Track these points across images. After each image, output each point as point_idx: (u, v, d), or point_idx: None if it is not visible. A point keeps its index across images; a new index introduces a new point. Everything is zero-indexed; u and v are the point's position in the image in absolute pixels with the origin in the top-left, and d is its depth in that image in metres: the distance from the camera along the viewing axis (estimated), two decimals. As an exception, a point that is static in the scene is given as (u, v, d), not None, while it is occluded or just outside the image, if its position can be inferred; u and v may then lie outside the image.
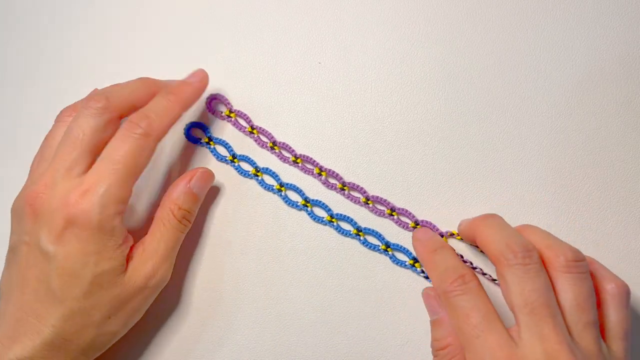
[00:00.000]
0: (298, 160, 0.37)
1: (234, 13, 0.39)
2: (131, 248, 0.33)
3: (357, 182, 0.36)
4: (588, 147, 0.35)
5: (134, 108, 0.33)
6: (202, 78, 0.36)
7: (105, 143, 0.32)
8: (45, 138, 0.34)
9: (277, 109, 0.38)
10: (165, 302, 0.37)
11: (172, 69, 0.39)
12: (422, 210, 0.36)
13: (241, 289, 0.37)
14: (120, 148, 0.31)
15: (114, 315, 0.32)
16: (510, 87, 0.36)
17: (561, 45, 0.36)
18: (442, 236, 0.35)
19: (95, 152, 0.32)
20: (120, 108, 0.33)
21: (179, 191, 0.34)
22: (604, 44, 0.35)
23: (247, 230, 0.37)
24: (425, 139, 0.36)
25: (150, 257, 0.33)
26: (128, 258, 0.32)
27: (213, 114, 0.38)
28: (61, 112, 0.34)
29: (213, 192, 0.38)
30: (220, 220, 0.37)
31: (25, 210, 0.31)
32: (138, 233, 0.34)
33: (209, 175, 0.36)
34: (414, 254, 0.35)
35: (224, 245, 0.37)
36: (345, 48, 0.38)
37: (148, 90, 0.34)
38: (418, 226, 0.36)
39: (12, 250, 0.32)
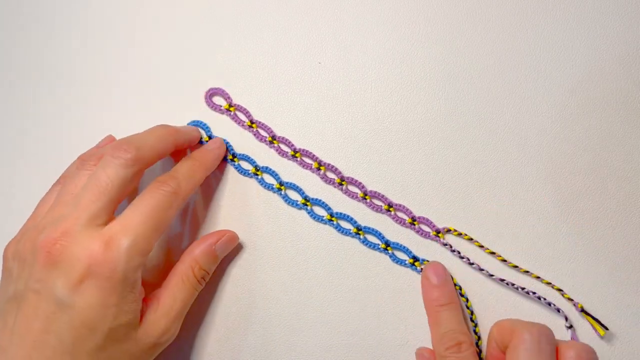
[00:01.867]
0: (297, 155, 0.37)
1: (234, 13, 0.39)
2: (144, 300, 0.32)
3: (358, 179, 0.36)
4: (588, 146, 0.35)
5: (159, 158, 0.34)
6: (220, 145, 0.37)
7: (128, 193, 0.32)
8: (66, 184, 0.33)
9: (278, 109, 0.38)
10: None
11: (172, 69, 0.39)
12: (420, 207, 0.36)
13: (240, 288, 0.37)
14: (149, 202, 0.31)
15: None
16: (510, 87, 0.36)
17: (561, 45, 0.36)
18: (438, 232, 0.35)
19: (117, 202, 0.31)
20: (149, 160, 0.32)
21: (202, 251, 0.34)
22: (604, 44, 0.35)
23: (247, 228, 0.37)
24: (425, 138, 0.36)
25: (166, 314, 0.32)
26: (142, 312, 0.31)
27: (212, 108, 0.38)
28: (84, 159, 0.34)
29: (213, 191, 0.38)
30: (220, 219, 0.37)
31: (38, 256, 0.29)
32: (149, 281, 0.34)
33: (234, 239, 0.36)
34: (413, 252, 0.35)
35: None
36: (345, 48, 0.38)
37: (172, 139, 0.34)
38: (415, 222, 0.36)
39: (15, 299, 0.30)
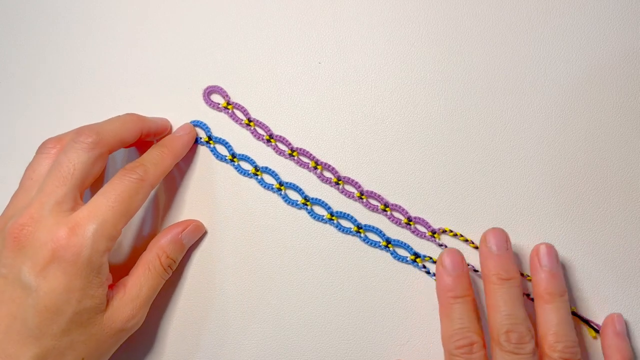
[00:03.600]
0: (294, 154, 0.37)
1: (233, 13, 0.39)
2: (110, 286, 0.32)
3: (354, 178, 0.36)
4: (588, 147, 0.35)
5: (123, 144, 0.34)
6: (190, 131, 0.37)
7: (93, 178, 0.33)
8: (27, 170, 0.33)
9: (277, 109, 0.38)
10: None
11: (172, 69, 0.39)
12: (420, 207, 0.36)
13: (240, 288, 0.37)
14: (117, 188, 0.31)
15: (87, 357, 0.31)
16: (510, 87, 0.36)
17: (561, 44, 0.36)
18: (434, 233, 0.35)
19: (82, 187, 0.32)
20: (110, 143, 0.33)
21: (169, 239, 0.35)
22: (604, 44, 0.35)
23: (246, 229, 0.37)
24: (425, 138, 0.36)
25: (132, 300, 0.33)
26: (108, 297, 0.32)
27: (210, 105, 0.38)
28: (44, 143, 0.34)
29: (213, 191, 0.38)
30: (219, 219, 0.37)
31: (6, 242, 0.30)
32: (117, 268, 0.35)
33: (201, 229, 0.37)
34: (414, 249, 0.35)
35: (222, 243, 0.37)
36: (345, 48, 0.38)
37: (136, 126, 0.35)
38: (411, 223, 0.36)
39: None
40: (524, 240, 0.35)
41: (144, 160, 0.34)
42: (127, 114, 0.36)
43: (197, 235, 0.36)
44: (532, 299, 0.33)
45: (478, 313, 0.32)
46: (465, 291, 0.32)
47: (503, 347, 0.29)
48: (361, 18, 0.38)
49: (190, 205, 0.38)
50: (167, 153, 0.35)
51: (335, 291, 0.36)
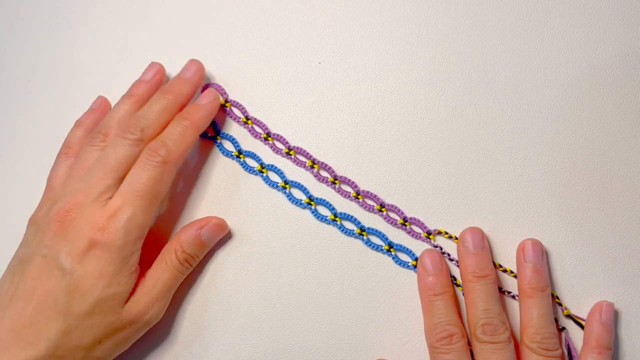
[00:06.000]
0: (291, 152, 0.37)
1: (234, 13, 0.39)
2: (137, 278, 0.34)
3: (352, 179, 0.36)
4: (588, 146, 0.35)
5: (162, 131, 0.35)
6: (213, 98, 0.37)
7: (130, 168, 0.34)
8: (79, 159, 0.35)
9: (277, 108, 0.38)
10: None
11: (171, 69, 0.39)
12: (419, 206, 0.36)
13: (241, 287, 0.37)
14: (142, 176, 0.33)
15: (103, 341, 0.32)
16: (510, 87, 0.36)
17: (561, 44, 0.36)
18: (429, 234, 0.35)
19: (122, 178, 0.34)
20: (153, 136, 0.34)
21: (188, 235, 0.35)
22: (604, 44, 0.35)
23: (248, 226, 0.37)
24: (424, 138, 0.36)
25: (147, 293, 0.33)
26: (133, 289, 0.33)
27: None
28: (93, 136, 0.35)
29: (215, 189, 0.38)
30: (222, 215, 0.37)
31: (51, 225, 0.33)
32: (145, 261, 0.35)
33: (222, 227, 0.36)
34: (417, 255, 0.35)
35: (224, 241, 0.37)
36: (345, 48, 0.38)
37: (174, 111, 0.36)
38: (407, 223, 0.36)
39: (22, 261, 0.33)
40: (521, 240, 0.35)
41: (166, 138, 0.34)
42: (163, 96, 0.35)
43: (218, 233, 0.36)
44: (513, 296, 0.35)
45: (458, 307, 0.34)
46: (445, 288, 0.34)
47: (479, 339, 0.32)
48: (361, 18, 0.38)
49: (191, 201, 0.38)
50: (189, 126, 0.35)
51: (335, 291, 0.36)
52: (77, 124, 0.38)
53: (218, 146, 0.38)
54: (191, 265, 0.35)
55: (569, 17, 0.36)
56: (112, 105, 0.39)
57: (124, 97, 0.37)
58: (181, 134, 0.34)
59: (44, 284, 0.32)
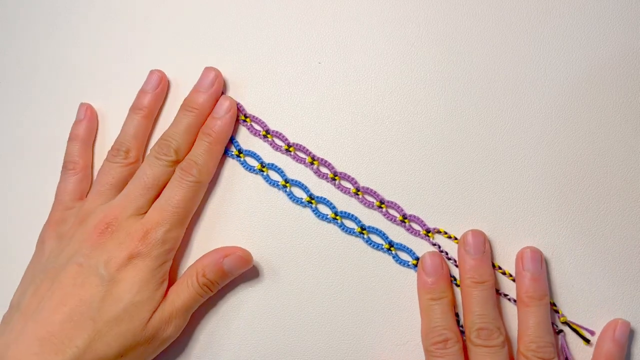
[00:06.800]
0: (291, 149, 0.37)
1: (234, 13, 0.39)
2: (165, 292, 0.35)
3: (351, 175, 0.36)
4: (588, 147, 0.35)
5: (191, 147, 0.37)
6: (229, 108, 0.37)
7: (163, 186, 0.36)
8: (101, 175, 0.37)
9: (277, 109, 0.38)
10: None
11: (172, 69, 0.39)
12: (418, 206, 0.36)
13: (241, 286, 0.37)
14: (178, 193, 0.35)
15: (125, 356, 0.33)
16: (510, 87, 0.36)
17: (561, 44, 0.36)
18: (428, 231, 0.35)
19: (156, 196, 0.36)
20: (184, 156, 0.36)
21: (210, 261, 0.35)
22: (604, 44, 0.35)
23: (248, 225, 0.37)
24: (424, 137, 0.36)
25: (167, 309, 0.34)
26: (159, 305, 0.34)
27: None
28: (114, 153, 0.37)
29: (216, 186, 0.38)
30: (222, 215, 0.37)
31: (90, 236, 0.34)
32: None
33: (246, 261, 0.36)
34: (417, 254, 0.35)
35: (224, 240, 0.37)
36: (345, 48, 0.38)
37: (199, 128, 0.37)
38: (406, 220, 0.36)
39: (53, 270, 0.34)
40: (521, 241, 0.35)
41: (195, 157, 0.36)
42: (186, 115, 0.37)
43: (241, 265, 0.35)
44: (510, 300, 0.35)
45: (456, 311, 0.34)
46: (443, 292, 0.34)
47: (474, 342, 0.32)
48: (361, 18, 0.38)
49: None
50: (213, 142, 0.36)
51: (335, 291, 0.36)
52: (73, 137, 0.39)
53: None
54: (211, 290, 0.35)
55: (569, 17, 0.36)
56: (96, 110, 0.40)
57: (132, 110, 0.38)
58: (207, 151, 0.36)
59: (78, 292, 0.33)
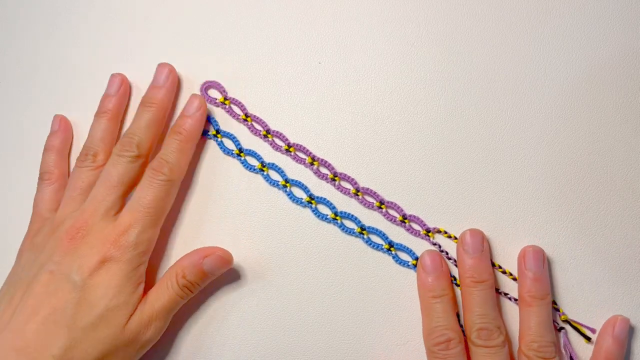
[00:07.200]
0: (291, 149, 0.37)
1: (234, 13, 0.39)
2: (142, 295, 0.34)
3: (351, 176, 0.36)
4: (588, 147, 0.35)
5: (154, 143, 0.37)
6: (199, 106, 0.37)
7: (135, 183, 0.36)
8: (72, 180, 0.37)
9: (277, 109, 0.38)
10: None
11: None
12: (418, 206, 0.36)
13: (241, 286, 0.37)
14: (149, 193, 0.34)
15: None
16: (510, 87, 0.36)
17: (561, 44, 0.36)
18: (428, 231, 0.35)
19: (127, 193, 0.36)
20: (147, 150, 0.36)
21: (190, 262, 0.35)
22: (604, 44, 0.35)
23: (248, 225, 0.37)
24: (425, 137, 0.36)
25: (147, 312, 0.34)
26: (136, 308, 0.34)
27: (208, 100, 0.38)
28: (82, 158, 0.37)
29: (216, 186, 0.38)
30: (222, 215, 0.37)
31: (61, 242, 0.34)
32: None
33: (226, 260, 0.35)
34: (417, 254, 0.35)
35: (224, 240, 0.37)
36: (345, 48, 0.38)
37: (162, 123, 0.38)
38: (406, 221, 0.36)
39: (25, 281, 0.33)
40: (521, 241, 0.35)
41: (166, 156, 0.35)
42: (147, 110, 0.37)
43: (221, 265, 0.35)
44: (511, 299, 0.35)
45: (457, 310, 0.34)
46: (444, 290, 0.34)
47: (475, 343, 0.32)
48: (361, 18, 0.38)
49: (189, 198, 0.38)
50: (184, 141, 0.36)
51: (335, 291, 0.36)
52: (48, 148, 0.39)
53: (219, 144, 0.38)
54: (192, 292, 0.35)
55: (569, 17, 0.36)
56: (70, 121, 0.40)
57: (97, 115, 0.38)
58: (178, 149, 0.36)
59: (51, 299, 0.32)
